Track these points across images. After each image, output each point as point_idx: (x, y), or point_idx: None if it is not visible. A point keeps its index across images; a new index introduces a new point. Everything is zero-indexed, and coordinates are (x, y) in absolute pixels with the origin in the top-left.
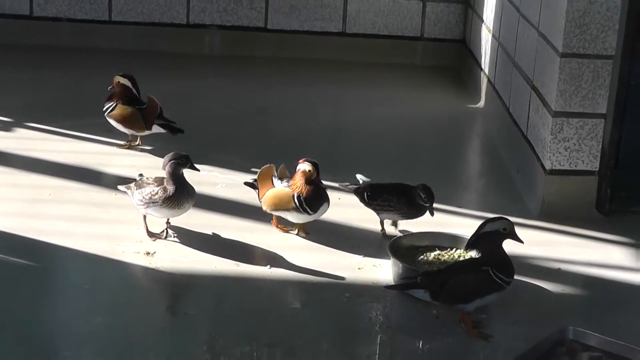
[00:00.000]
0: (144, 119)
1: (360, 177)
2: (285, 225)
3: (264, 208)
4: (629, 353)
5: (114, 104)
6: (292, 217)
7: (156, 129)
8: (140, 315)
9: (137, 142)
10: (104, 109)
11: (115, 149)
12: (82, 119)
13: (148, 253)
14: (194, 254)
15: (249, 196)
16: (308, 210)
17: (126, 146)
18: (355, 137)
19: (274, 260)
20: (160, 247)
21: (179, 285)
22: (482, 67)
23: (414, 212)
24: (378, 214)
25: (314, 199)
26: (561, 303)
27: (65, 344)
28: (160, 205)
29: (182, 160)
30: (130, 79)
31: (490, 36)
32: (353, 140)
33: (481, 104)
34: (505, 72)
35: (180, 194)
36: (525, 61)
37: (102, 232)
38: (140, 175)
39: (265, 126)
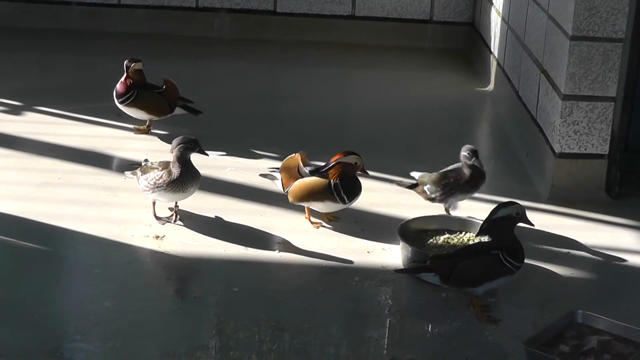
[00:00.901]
0: (168, 102)
1: (414, 174)
2: (317, 223)
3: (291, 199)
4: (638, 336)
5: (135, 92)
6: (324, 206)
7: (177, 110)
8: (149, 298)
9: (149, 126)
10: (123, 98)
11: (125, 132)
12: (92, 103)
13: (157, 237)
14: (203, 238)
15: (258, 180)
16: (345, 199)
17: (143, 131)
18: (364, 119)
19: (283, 244)
20: (169, 230)
21: (188, 269)
22: (492, 50)
23: (473, 182)
24: (445, 203)
25: (352, 188)
26: (570, 287)
27: (74, 327)
28: (165, 189)
29: (191, 145)
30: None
31: (499, 19)
32: (362, 122)
33: (490, 87)
34: (515, 55)
35: (185, 178)
36: (534, 44)
37: (112, 215)
38: (146, 160)
39: (274, 109)
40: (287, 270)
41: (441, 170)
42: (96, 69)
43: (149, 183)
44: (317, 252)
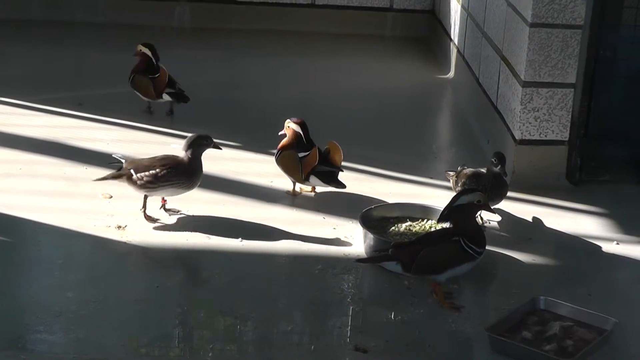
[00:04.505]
0: (154, 87)
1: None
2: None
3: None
4: (600, 322)
5: (132, 75)
6: None
7: (165, 97)
8: (112, 288)
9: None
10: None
11: (86, 122)
12: (52, 93)
13: (119, 227)
14: (165, 227)
15: (219, 169)
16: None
17: (146, 112)
18: (325, 108)
19: (246, 232)
20: (131, 220)
21: (150, 259)
22: (452, 37)
23: (496, 187)
24: None
25: None
26: (532, 273)
27: (37, 318)
28: (179, 185)
29: (207, 141)
30: (151, 47)
31: (459, 7)
32: (323, 111)
33: (451, 74)
34: (475, 42)
35: (200, 174)
36: (494, 31)
37: (73, 206)
38: (119, 159)
39: (235, 97)
40: (249, 259)
41: (473, 170)
42: (57, 58)
43: (158, 178)
44: (279, 240)
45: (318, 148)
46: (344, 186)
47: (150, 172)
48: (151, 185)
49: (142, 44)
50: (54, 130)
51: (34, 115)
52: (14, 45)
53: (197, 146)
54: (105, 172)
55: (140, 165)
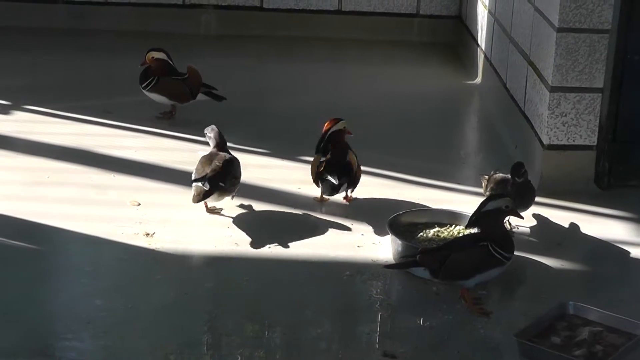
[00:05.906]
0: (190, 88)
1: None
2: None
3: None
4: (630, 327)
5: (155, 79)
6: None
7: (200, 97)
8: (141, 296)
9: (174, 113)
10: (143, 85)
11: (114, 130)
12: (80, 101)
13: (147, 234)
14: (193, 234)
15: (246, 176)
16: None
17: (167, 117)
18: (351, 114)
19: (274, 239)
20: (159, 227)
21: (178, 266)
22: (479, 43)
23: (519, 195)
24: None
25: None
26: (561, 278)
27: (65, 326)
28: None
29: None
30: (165, 52)
31: (486, 12)
32: (350, 118)
33: (478, 80)
34: (502, 47)
35: None
36: (521, 36)
37: (101, 213)
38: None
39: (261, 105)
40: (277, 266)
41: (502, 175)
42: (84, 67)
43: (237, 177)
44: (307, 247)
45: (337, 154)
46: (337, 190)
47: (236, 178)
48: (235, 187)
49: (152, 50)
50: (81, 138)
51: (62, 123)
52: (42, 54)
53: (224, 139)
54: (133, 180)
55: (213, 172)
